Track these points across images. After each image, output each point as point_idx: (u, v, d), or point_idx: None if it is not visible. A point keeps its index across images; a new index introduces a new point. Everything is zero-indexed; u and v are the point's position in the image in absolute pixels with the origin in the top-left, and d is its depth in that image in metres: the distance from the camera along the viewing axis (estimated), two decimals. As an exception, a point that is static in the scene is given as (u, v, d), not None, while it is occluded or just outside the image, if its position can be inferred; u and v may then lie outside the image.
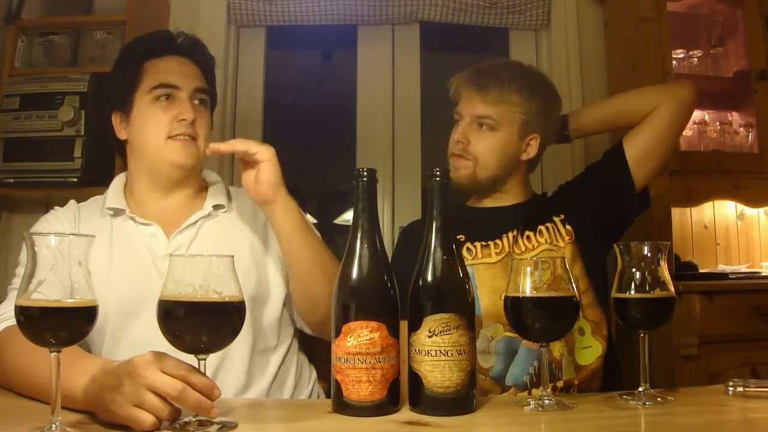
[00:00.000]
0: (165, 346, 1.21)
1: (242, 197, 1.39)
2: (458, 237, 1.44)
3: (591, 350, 1.39)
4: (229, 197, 1.40)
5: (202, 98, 1.36)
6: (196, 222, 1.32)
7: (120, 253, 1.28)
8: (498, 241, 1.45)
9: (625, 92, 1.66)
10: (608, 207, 1.48)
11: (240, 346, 1.25)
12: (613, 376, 1.41)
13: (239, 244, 1.31)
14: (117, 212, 1.33)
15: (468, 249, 1.45)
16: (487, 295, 1.38)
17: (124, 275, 1.25)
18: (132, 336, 1.22)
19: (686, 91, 1.51)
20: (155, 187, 1.35)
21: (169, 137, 1.29)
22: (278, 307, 1.34)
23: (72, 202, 1.39)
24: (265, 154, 1.21)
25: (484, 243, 1.46)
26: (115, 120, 1.36)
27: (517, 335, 1.33)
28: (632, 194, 1.49)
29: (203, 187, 1.40)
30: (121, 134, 1.36)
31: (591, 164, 1.60)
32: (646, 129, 1.49)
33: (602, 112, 1.63)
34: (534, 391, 1.31)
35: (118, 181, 1.40)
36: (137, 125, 1.32)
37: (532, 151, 1.51)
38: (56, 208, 1.37)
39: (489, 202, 1.55)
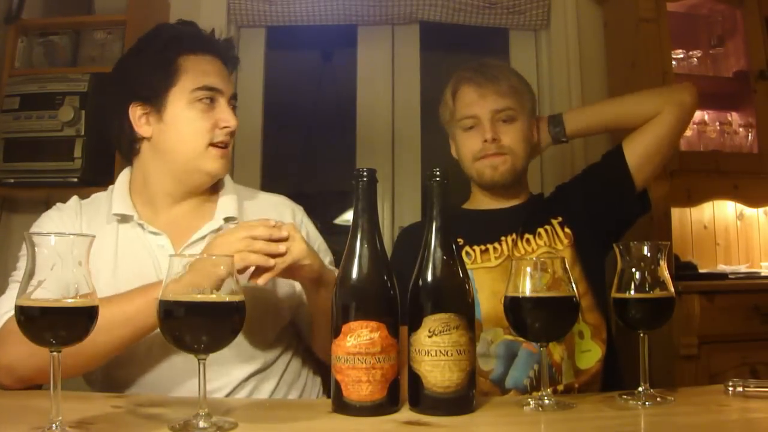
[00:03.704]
0: (169, 356, 1.19)
1: (254, 205, 1.36)
2: (457, 240, 1.44)
3: (590, 354, 1.39)
4: (240, 205, 1.34)
5: (235, 105, 1.32)
6: (205, 237, 1.27)
7: (125, 263, 1.24)
8: (497, 245, 1.45)
9: (625, 95, 1.65)
10: (608, 210, 1.47)
11: (245, 357, 1.23)
12: (614, 380, 1.39)
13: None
14: (124, 218, 1.27)
15: (467, 253, 1.45)
16: (487, 299, 1.38)
17: (128, 287, 1.18)
18: (134, 348, 1.16)
19: (688, 96, 1.49)
20: (173, 191, 1.29)
21: (210, 144, 1.25)
22: (286, 318, 1.32)
23: (74, 198, 1.33)
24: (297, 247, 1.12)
25: (483, 247, 1.45)
26: (134, 113, 1.26)
27: (516, 338, 1.34)
28: (632, 197, 1.49)
29: (215, 191, 1.35)
30: (143, 130, 1.26)
31: (589, 166, 1.59)
32: (647, 133, 1.47)
33: (601, 115, 1.61)
34: (534, 395, 1.31)
35: (122, 182, 1.32)
36: (172, 125, 1.25)
37: (535, 135, 1.54)
38: (59, 204, 1.32)
39: (487, 204, 1.55)
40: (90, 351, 1.04)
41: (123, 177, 1.34)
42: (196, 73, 1.26)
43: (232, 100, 1.31)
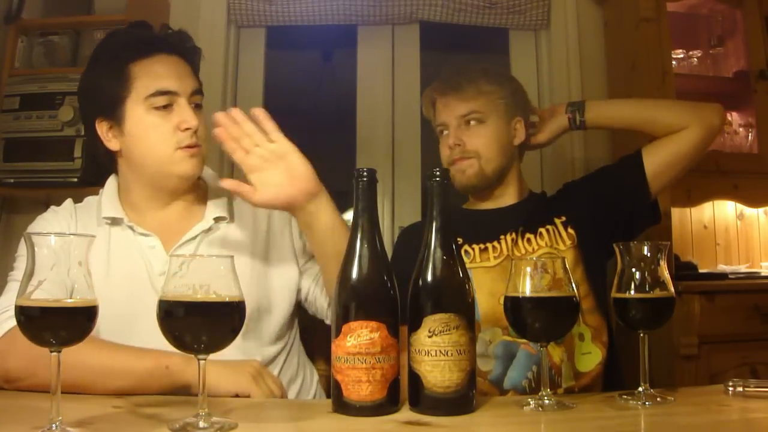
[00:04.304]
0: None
1: (243, 204, 1.31)
2: (456, 239, 1.44)
3: (591, 356, 1.38)
4: (230, 204, 1.33)
5: (198, 101, 1.27)
6: (196, 237, 1.26)
7: (117, 266, 1.23)
8: (496, 244, 1.45)
9: (655, 100, 1.65)
10: (617, 214, 1.46)
11: (244, 353, 1.22)
12: (614, 383, 1.39)
13: (241, 257, 1.25)
14: (115, 221, 1.27)
15: (466, 251, 1.45)
16: (485, 299, 1.38)
17: (120, 290, 1.19)
18: (129, 340, 1.15)
19: (718, 118, 1.48)
20: (155, 197, 1.28)
21: (178, 148, 1.21)
22: (282, 316, 1.31)
23: (69, 201, 1.33)
24: (286, 142, 1.14)
25: (482, 246, 1.45)
26: (101, 128, 1.25)
27: (515, 339, 1.34)
28: (646, 205, 1.48)
29: (203, 192, 1.34)
30: (112, 144, 1.25)
31: (603, 167, 1.58)
32: (671, 146, 1.46)
33: (627, 112, 1.59)
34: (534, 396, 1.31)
35: (111, 187, 1.32)
36: (135, 137, 1.22)
37: (520, 134, 1.54)
38: (53, 207, 1.32)
39: (486, 204, 1.55)
40: (81, 388, 1.03)
41: (111, 182, 1.33)
42: (148, 78, 1.22)
43: (195, 95, 1.26)
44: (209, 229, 1.28)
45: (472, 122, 1.49)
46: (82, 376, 1.02)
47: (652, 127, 1.50)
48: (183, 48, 1.30)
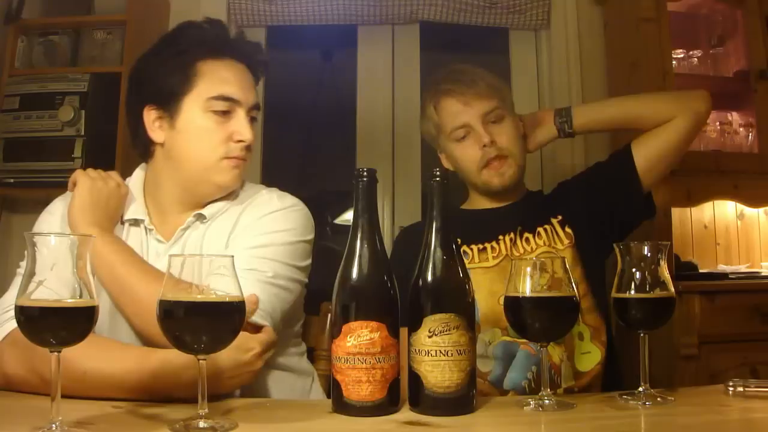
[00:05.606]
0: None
1: (235, 202, 1.27)
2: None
3: (590, 356, 1.38)
4: (222, 204, 1.26)
5: (255, 115, 1.25)
6: (181, 236, 1.23)
7: None
8: (495, 245, 1.44)
9: (639, 95, 1.65)
10: (612, 210, 1.46)
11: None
12: (614, 383, 1.38)
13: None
14: (135, 222, 1.25)
15: (464, 252, 1.45)
16: (484, 300, 1.37)
17: None
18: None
19: (704, 105, 1.49)
20: (183, 200, 1.25)
21: (225, 158, 1.19)
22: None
23: None
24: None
25: (481, 246, 1.45)
26: (149, 116, 1.22)
27: (515, 339, 1.33)
28: (639, 199, 1.48)
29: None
30: (156, 135, 1.22)
31: (595, 164, 1.57)
32: (659, 138, 1.46)
33: (612, 112, 1.59)
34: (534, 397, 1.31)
35: (137, 183, 1.28)
36: (185, 134, 1.20)
37: (522, 130, 1.54)
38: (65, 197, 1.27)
39: (484, 204, 1.54)
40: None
41: (138, 176, 1.30)
42: (213, 80, 1.20)
43: (253, 110, 1.24)
44: (188, 227, 1.24)
45: (494, 120, 1.47)
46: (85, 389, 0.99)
47: (641, 123, 1.50)
48: (253, 59, 1.28)
